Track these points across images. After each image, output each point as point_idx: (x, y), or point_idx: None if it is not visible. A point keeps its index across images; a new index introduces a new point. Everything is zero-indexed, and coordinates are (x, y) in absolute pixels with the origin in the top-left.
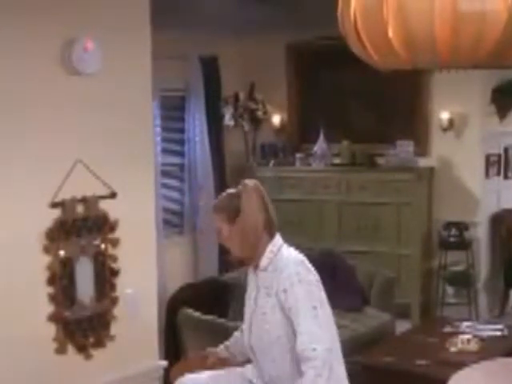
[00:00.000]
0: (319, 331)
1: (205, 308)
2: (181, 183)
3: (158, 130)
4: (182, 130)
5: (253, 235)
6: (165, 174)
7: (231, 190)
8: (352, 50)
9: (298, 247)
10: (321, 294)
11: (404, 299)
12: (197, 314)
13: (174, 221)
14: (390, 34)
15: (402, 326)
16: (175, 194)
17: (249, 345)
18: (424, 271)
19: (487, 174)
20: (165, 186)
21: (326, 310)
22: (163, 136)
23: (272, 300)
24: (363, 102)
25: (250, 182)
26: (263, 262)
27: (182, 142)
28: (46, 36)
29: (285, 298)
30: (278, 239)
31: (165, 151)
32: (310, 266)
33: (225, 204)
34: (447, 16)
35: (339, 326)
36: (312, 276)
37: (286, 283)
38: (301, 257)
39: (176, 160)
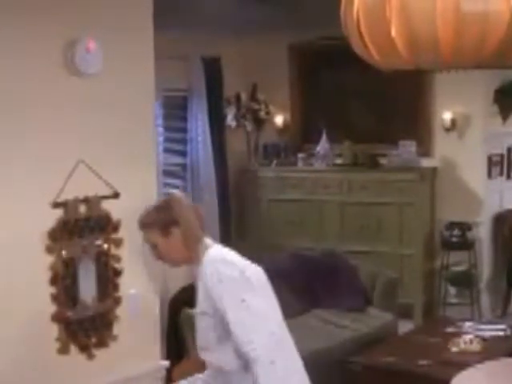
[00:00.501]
0: (255, 320)
1: None
2: (183, 183)
3: (161, 129)
4: (184, 130)
5: (194, 237)
6: (167, 173)
7: (152, 205)
8: (354, 50)
9: (300, 247)
10: (251, 284)
11: (406, 299)
12: None
13: None
14: (393, 33)
15: (405, 326)
16: None
17: (198, 344)
18: (426, 271)
19: (490, 175)
20: (167, 185)
21: (261, 298)
22: (165, 136)
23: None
24: (365, 102)
25: (173, 192)
26: (198, 261)
27: (184, 142)
28: (48, 36)
29: (213, 298)
30: (206, 239)
31: (167, 151)
32: (235, 259)
33: (153, 219)
34: (450, 16)
35: (341, 326)
36: (235, 271)
37: (209, 284)
38: (222, 253)
39: (178, 160)
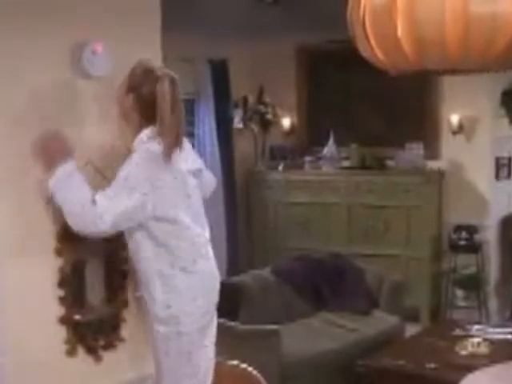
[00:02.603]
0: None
1: None
2: None
3: None
4: (191, 133)
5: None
6: None
7: (150, 66)
8: (361, 52)
9: (307, 250)
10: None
11: (413, 302)
12: None
13: None
14: (399, 34)
15: (412, 330)
16: None
17: None
18: (434, 274)
19: (497, 177)
20: None
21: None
22: None
23: None
24: (373, 104)
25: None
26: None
27: (191, 144)
28: (56, 39)
29: None
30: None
31: None
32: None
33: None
34: (458, 17)
35: (348, 329)
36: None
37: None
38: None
39: None
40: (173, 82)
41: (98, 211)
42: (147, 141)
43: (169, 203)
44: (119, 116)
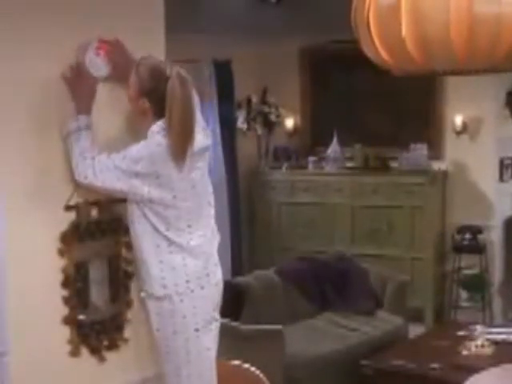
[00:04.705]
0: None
1: None
2: None
3: None
4: None
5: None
6: None
7: (158, 65)
8: (365, 52)
9: (311, 251)
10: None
11: (417, 303)
12: None
13: None
14: (404, 33)
15: (416, 330)
16: None
17: None
18: (437, 275)
19: (501, 178)
20: None
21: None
22: None
23: None
24: (376, 105)
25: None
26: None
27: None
28: (58, 39)
29: None
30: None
31: None
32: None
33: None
34: (463, 17)
35: (352, 330)
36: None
37: None
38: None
39: None
40: (182, 79)
41: (93, 171)
42: (159, 131)
43: (167, 192)
44: (134, 112)
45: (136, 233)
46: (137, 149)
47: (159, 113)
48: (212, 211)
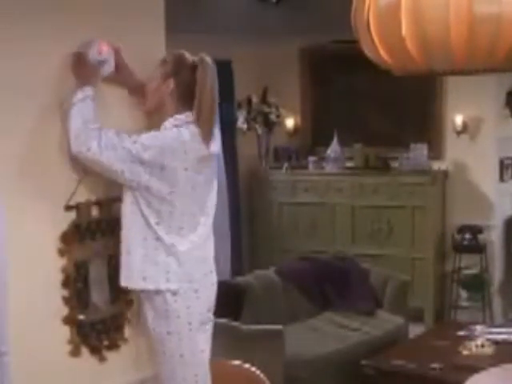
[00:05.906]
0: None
1: (217, 311)
2: None
3: None
4: None
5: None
6: None
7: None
8: (365, 52)
9: (312, 251)
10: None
11: (417, 303)
12: None
13: None
14: (404, 33)
15: (416, 330)
16: None
17: None
18: (438, 275)
19: (502, 178)
20: None
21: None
22: None
23: None
24: (377, 105)
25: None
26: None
27: None
28: (61, 39)
29: None
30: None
31: None
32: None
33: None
34: (463, 17)
35: (352, 329)
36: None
37: None
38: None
39: None
40: (211, 69)
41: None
42: (180, 125)
43: (166, 186)
44: (152, 106)
45: (126, 223)
46: (148, 137)
47: (182, 100)
48: (210, 221)
